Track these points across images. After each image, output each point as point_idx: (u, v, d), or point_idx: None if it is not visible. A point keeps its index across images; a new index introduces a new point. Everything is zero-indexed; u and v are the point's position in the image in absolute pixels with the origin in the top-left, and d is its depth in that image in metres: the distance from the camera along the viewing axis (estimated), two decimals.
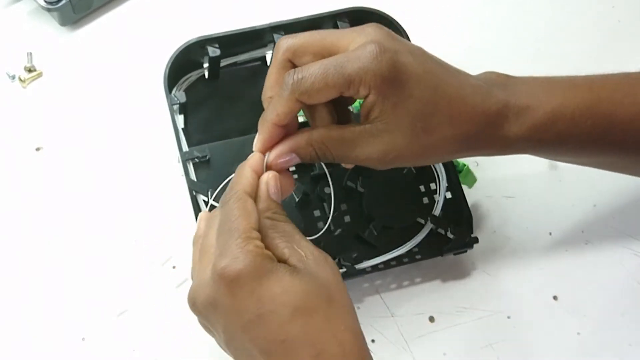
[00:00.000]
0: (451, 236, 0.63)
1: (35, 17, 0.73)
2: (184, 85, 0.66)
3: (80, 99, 0.70)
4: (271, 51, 0.66)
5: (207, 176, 0.61)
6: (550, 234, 0.68)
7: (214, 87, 0.67)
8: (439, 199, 0.63)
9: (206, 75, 0.66)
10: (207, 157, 0.62)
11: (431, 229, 0.63)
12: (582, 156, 0.56)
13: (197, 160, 0.61)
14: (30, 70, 0.70)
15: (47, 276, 0.63)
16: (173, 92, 0.64)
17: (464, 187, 0.65)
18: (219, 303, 0.45)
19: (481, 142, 0.52)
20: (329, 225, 0.62)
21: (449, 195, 0.64)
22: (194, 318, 0.62)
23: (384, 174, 0.62)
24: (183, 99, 0.63)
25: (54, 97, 0.70)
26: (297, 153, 0.50)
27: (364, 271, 0.61)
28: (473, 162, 0.69)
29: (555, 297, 0.65)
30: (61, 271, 0.63)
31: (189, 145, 0.62)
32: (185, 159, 0.61)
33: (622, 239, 0.67)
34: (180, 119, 0.64)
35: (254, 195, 0.49)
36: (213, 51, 0.64)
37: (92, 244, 0.64)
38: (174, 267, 0.64)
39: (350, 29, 0.50)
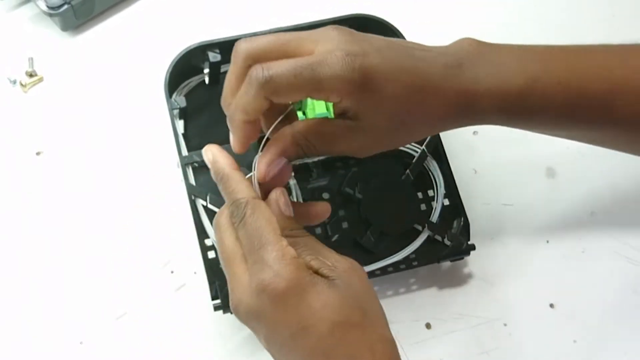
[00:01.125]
0: (448, 243, 0.63)
1: (37, 22, 0.73)
2: (185, 90, 0.66)
3: (80, 103, 0.70)
4: None
5: (206, 180, 0.61)
6: (547, 241, 0.68)
7: (215, 93, 0.66)
8: (437, 206, 0.64)
9: (206, 81, 0.67)
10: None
11: (428, 236, 0.63)
12: (555, 129, 0.56)
13: (196, 164, 0.62)
14: (31, 75, 0.70)
15: (46, 279, 0.63)
16: (173, 96, 0.64)
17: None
18: (262, 316, 0.46)
19: (455, 121, 0.52)
20: (327, 230, 0.62)
21: (446, 202, 0.64)
22: (192, 322, 0.62)
23: (381, 180, 0.62)
24: (183, 103, 0.63)
25: (55, 102, 0.70)
26: (285, 155, 0.50)
27: None
28: (471, 170, 0.69)
29: (551, 305, 0.65)
30: (60, 274, 0.64)
31: (188, 150, 0.62)
32: (184, 163, 0.62)
33: (619, 248, 0.68)
34: (180, 124, 0.64)
35: (260, 195, 0.49)
36: (214, 56, 0.64)
37: (91, 247, 0.65)
38: (172, 272, 0.64)
39: (311, 32, 0.48)
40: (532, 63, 0.52)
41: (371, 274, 0.62)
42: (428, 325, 0.64)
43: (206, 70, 0.66)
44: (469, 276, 0.66)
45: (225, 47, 0.65)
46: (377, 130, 0.49)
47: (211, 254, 0.60)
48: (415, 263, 0.63)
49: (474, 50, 0.51)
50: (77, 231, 0.65)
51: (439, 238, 0.63)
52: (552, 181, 0.70)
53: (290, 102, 0.51)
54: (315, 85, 0.46)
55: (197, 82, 0.67)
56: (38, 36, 0.73)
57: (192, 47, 0.64)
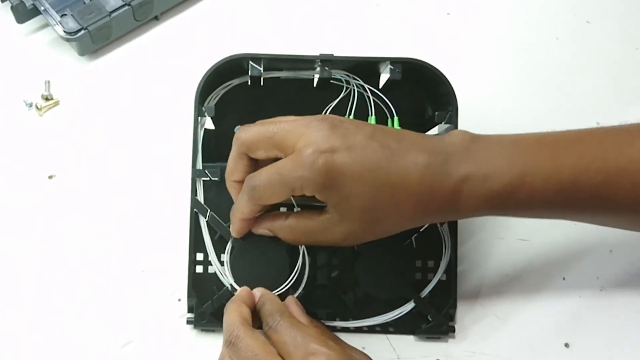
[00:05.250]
0: (430, 319, 0.61)
1: (54, 46, 0.74)
2: (218, 96, 0.64)
3: (95, 128, 0.70)
4: (318, 75, 0.63)
5: (213, 197, 0.62)
6: (563, 279, 0.66)
7: (254, 97, 0.66)
8: (433, 281, 0.62)
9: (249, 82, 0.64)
10: (217, 179, 0.61)
11: (412, 307, 0.61)
12: (546, 218, 0.56)
13: (208, 178, 0.61)
14: (47, 99, 0.71)
15: (53, 305, 0.63)
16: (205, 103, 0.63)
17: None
18: None
19: (438, 216, 0.54)
20: (315, 275, 0.61)
21: (444, 277, 0.62)
22: (199, 350, 0.62)
23: (384, 240, 0.58)
24: (212, 113, 0.62)
25: (70, 126, 0.70)
26: (272, 233, 0.57)
27: (334, 328, 0.60)
28: None
29: (567, 345, 0.63)
30: (67, 300, 0.63)
31: (208, 160, 0.62)
32: (195, 176, 0.61)
33: (639, 286, 0.66)
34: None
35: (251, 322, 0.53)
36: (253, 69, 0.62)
37: (99, 273, 0.64)
38: (179, 300, 0.64)
39: (297, 124, 0.52)
40: (520, 158, 0.51)
41: (345, 329, 0.61)
42: None
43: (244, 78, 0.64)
44: (482, 312, 0.64)
45: (267, 61, 0.63)
46: (353, 223, 0.53)
47: (199, 269, 0.61)
48: (391, 329, 0.62)
49: (464, 145, 0.52)
50: (87, 256, 0.65)
51: (422, 311, 0.62)
52: None
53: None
54: (287, 188, 0.51)
55: (239, 82, 0.65)
56: (55, 60, 0.73)
57: (234, 57, 0.62)
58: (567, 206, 0.53)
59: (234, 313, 0.53)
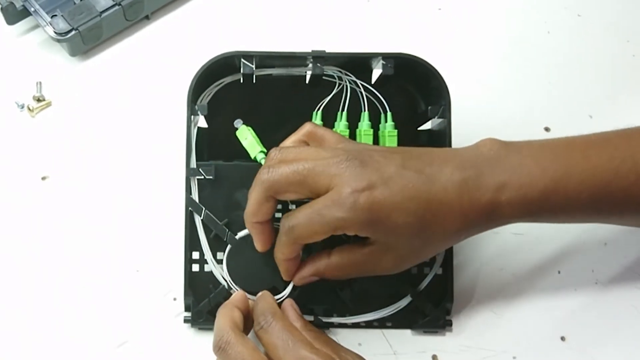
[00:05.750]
0: (427, 313, 0.61)
1: (45, 47, 0.73)
2: (211, 94, 0.64)
3: (88, 128, 0.70)
4: (310, 72, 0.63)
5: (208, 195, 0.61)
6: (559, 272, 0.66)
7: (246, 95, 0.66)
8: (430, 275, 0.62)
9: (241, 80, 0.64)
10: (212, 178, 0.61)
11: (409, 301, 0.61)
12: (584, 221, 0.56)
13: (202, 177, 0.61)
14: (39, 100, 0.71)
15: (47, 305, 0.63)
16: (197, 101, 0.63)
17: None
18: None
19: (478, 228, 0.54)
20: None
21: (440, 271, 0.62)
22: (194, 351, 0.62)
23: None
24: (205, 112, 0.62)
25: (62, 127, 0.70)
26: (317, 276, 0.56)
27: (331, 324, 0.61)
28: None
29: (562, 338, 0.63)
30: (62, 300, 0.63)
31: (202, 159, 0.62)
32: (189, 175, 0.61)
33: (634, 279, 0.66)
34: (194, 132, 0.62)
35: (242, 327, 0.53)
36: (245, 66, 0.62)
37: (94, 273, 0.64)
38: (174, 299, 0.63)
39: (327, 162, 0.51)
40: (552, 164, 0.52)
41: (342, 325, 0.61)
42: (434, 358, 0.62)
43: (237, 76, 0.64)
44: (478, 307, 0.64)
45: (259, 58, 0.62)
46: (402, 251, 0.53)
47: (195, 267, 0.61)
48: (389, 324, 0.62)
49: (494, 155, 0.52)
50: (81, 257, 0.65)
51: (419, 306, 0.62)
52: None
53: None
54: (329, 227, 0.50)
55: (231, 80, 0.64)
56: (46, 61, 0.73)
57: (226, 55, 0.61)
58: (601, 208, 0.53)
59: (225, 318, 0.53)
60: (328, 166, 0.51)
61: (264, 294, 0.56)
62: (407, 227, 0.51)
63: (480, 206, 0.51)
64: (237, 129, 0.61)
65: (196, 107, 0.62)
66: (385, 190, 0.50)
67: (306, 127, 0.57)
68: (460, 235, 0.54)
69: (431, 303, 0.61)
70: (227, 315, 0.53)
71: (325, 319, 0.61)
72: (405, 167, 0.51)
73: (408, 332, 0.63)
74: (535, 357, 0.63)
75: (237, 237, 0.60)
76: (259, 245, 0.57)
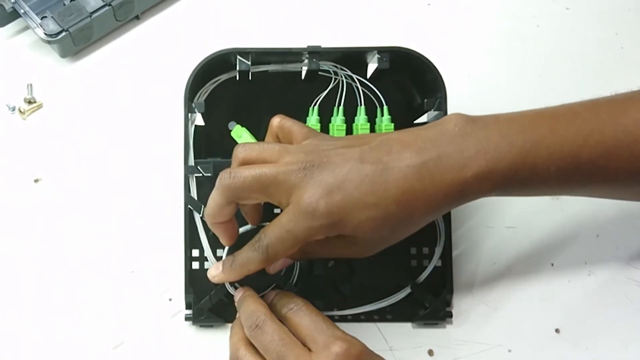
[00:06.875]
0: (427, 305, 0.62)
1: (35, 49, 0.73)
2: (207, 92, 0.64)
3: (80, 130, 0.70)
4: (306, 67, 0.64)
5: (207, 193, 0.61)
6: (552, 264, 0.66)
7: (243, 91, 0.66)
8: (429, 267, 0.62)
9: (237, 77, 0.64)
10: (210, 175, 0.61)
11: (409, 293, 0.62)
12: (551, 193, 0.56)
13: (200, 174, 0.61)
14: (30, 102, 0.70)
15: (42, 307, 0.63)
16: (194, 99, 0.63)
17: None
18: None
19: (446, 207, 0.54)
20: (312, 266, 0.62)
21: (439, 263, 0.62)
22: (191, 351, 0.62)
23: None
24: (200, 121, 0.62)
25: (54, 129, 0.70)
26: (291, 258, 0.57)
27: (332, 317, 0.60)
28: None
29: (557, 330, 0.64)
30: (57, 302, 0.63)
31: (199, 156, 0.62)
32: (187, 172, 0.61)
33: (626, 271, 0.66)
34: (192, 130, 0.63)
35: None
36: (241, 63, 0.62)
37: (89, 275, 0.64)
38: (170, 300, 0.63)
39: (288, 171, 0.51)
40: (520, 136, 0.51)
41: (342, 318, 0.62)
42: (430, 352, 0.63)
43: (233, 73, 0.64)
44: (472, 301, 0.65)
45: (255, 55, 0.62)
46: (368, 241, 0.53)
47: (195, 265, 0.61)
48: (389, 316, 0.63)
49: (459, 131, 0.52)
50: (75, 258, 0.65)
51: (419, 298, 0.62)
52: (557, 203, 0.69)
53: None
54: (301, 240, 0.51)
55: (227, 78, 0.64)
56: (37, 63, 0.73)
57: (222, 52, 0.62)
58: (568, 181, 0.53)
59: (256, 302, 0.54)
60: (288, 175, 0.51)
61: (282, 291, 0.57)
62: (371, 220, 0.50)
63: (444, 187, 0.50)
64: (231, 130, 0.61)
65: (193, 105, 0.62)
66: (341, 191, 0.50)
67: (275, 121, 0.57)
68: (429, 217, 0.53)
69: (431, 294, 0.62)
70: (256, 300, 0.55)
71: (325, 313, 0.60)
72: (363, 160, 0.51)
73: (404, 327, 0.63)
74: (530, 349, 0.63)
75: None
76: (224, 242, 0.58)
